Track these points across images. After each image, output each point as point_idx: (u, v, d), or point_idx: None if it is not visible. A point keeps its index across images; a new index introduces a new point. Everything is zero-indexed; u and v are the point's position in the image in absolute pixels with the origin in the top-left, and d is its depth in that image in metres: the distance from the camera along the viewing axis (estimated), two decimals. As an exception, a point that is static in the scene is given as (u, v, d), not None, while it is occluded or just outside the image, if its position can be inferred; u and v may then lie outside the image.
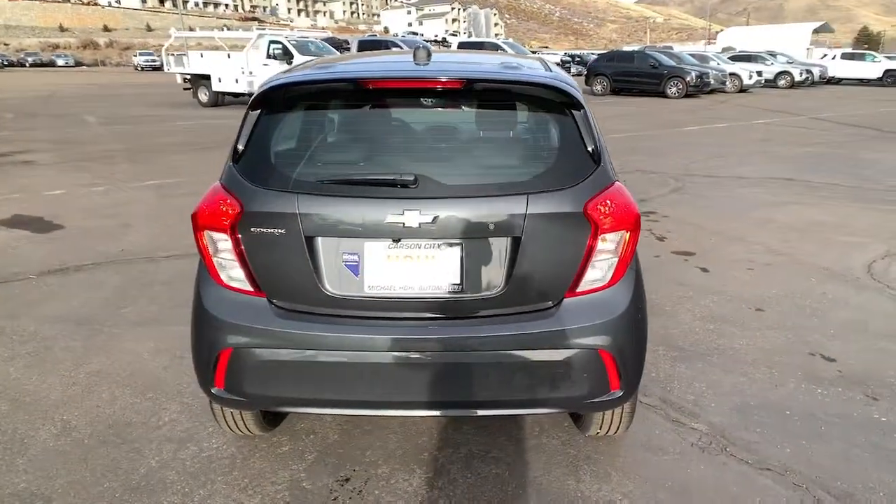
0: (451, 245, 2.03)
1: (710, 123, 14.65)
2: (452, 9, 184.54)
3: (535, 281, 2.06)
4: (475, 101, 2.18)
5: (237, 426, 2.49)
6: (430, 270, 2.05)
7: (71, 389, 3.05)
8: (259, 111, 2.13)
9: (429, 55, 2.23)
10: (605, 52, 30.92)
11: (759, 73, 26.53)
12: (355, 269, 2.05)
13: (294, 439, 2.65)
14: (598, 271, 2.09)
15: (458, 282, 2.05)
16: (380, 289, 2.06)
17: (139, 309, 4.00)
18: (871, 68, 31.22)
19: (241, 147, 2.12)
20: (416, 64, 2.20)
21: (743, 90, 24.92)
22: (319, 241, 2.03)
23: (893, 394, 2.99)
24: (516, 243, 2.02)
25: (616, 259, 2.10)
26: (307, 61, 2.66)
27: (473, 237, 2.02)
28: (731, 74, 24.52)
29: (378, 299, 2.06)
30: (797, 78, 28.07)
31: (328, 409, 2.20)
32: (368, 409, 2.16)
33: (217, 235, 2.07)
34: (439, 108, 2.18)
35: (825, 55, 34.06)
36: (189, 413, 2.84)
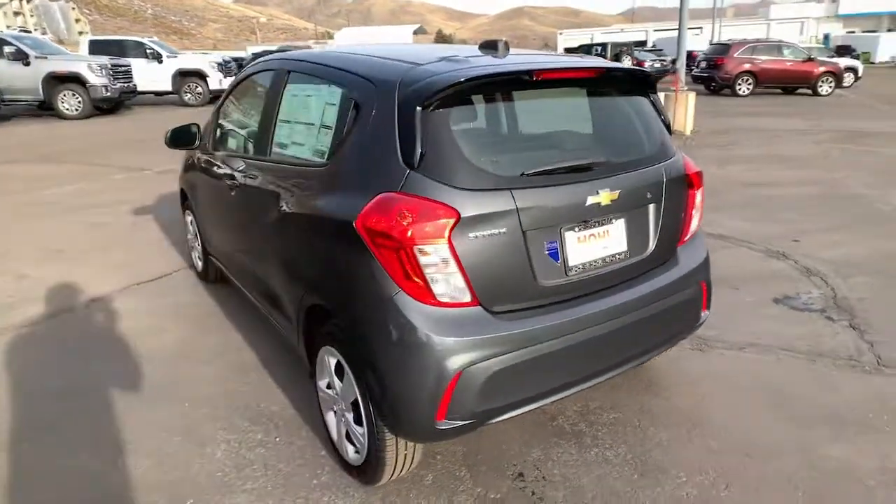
0: (619, 217, 2.24)
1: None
2: (11, 1, 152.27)
3: (669, 239, 2.44)
4: (603, 87, 2.40)
5: (405, 466, 2.22)
6: (607, 244, 2.23)
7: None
8: (428, 109, 1.92)
9: (508, 49, 2.33)
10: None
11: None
12: (556, 255, 2.09)
13: (426, 466, 2.44)
14: (694, 221, 2.57)
15: (624, 249, 2.28)
16: (578, 270, 2.14)
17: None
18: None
19: (419, 149, 1.90)
20: (495, 57, 2.28)
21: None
22: (529, 234, 2.00)
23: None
24: (659, 207, 2.35)
25: (700, 211, 2.61)
26: (421, 55, 2.25)
27: (634, 207, 2.27)
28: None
29: (577, 281, 2.15)
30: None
31: (546, 399, 2.15)
32: (578, 385, 2.20)
33: (429, 248, 1.85)
34: (584, 96, 2.33)
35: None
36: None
